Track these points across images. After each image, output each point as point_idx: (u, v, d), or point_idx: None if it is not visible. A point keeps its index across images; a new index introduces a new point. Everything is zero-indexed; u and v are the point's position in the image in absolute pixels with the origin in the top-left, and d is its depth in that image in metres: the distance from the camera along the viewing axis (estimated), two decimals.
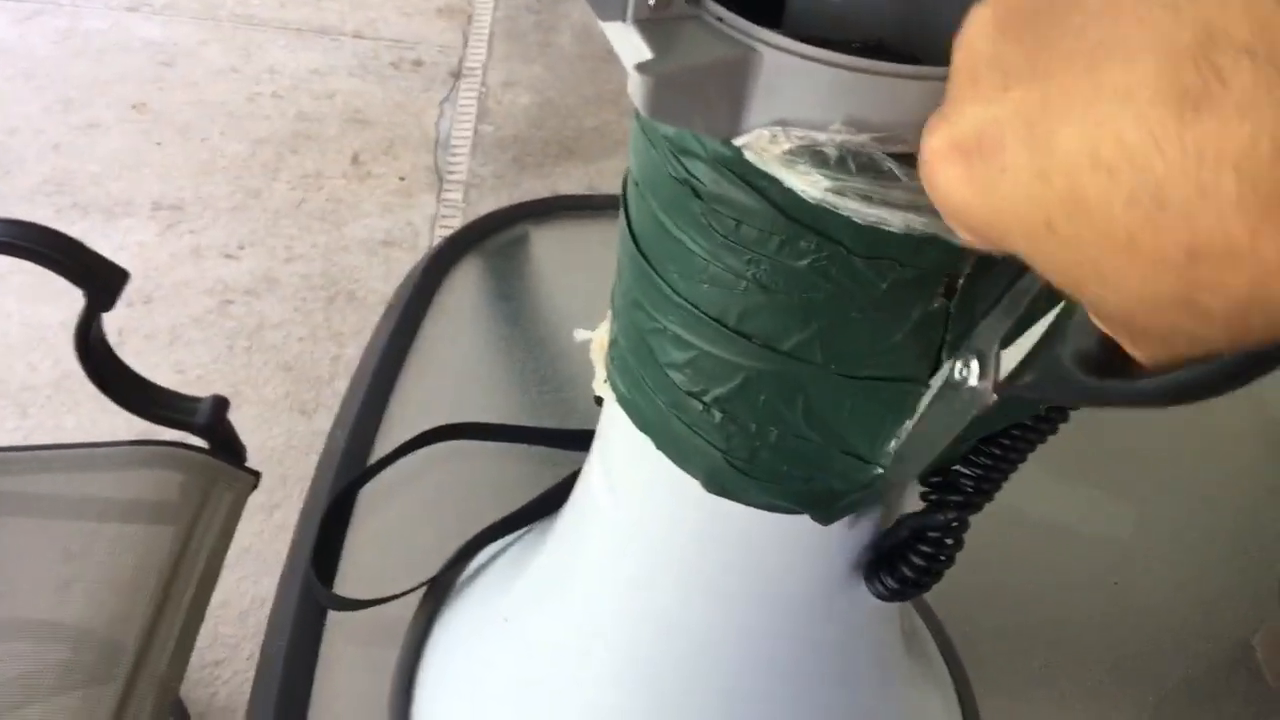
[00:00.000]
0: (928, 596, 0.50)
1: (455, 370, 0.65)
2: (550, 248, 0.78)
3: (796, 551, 0.32)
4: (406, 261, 1.72)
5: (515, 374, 0.64)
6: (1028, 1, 0.17)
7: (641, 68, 0.22)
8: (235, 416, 0.81)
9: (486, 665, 0.42)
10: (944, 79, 0.19)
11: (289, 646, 0.46)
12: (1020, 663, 0.52)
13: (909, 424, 0.28)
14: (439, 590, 0.49)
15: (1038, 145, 0.15)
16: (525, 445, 0.59)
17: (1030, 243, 0.16)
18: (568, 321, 0.70)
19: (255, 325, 1.56)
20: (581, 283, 0.74)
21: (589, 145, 2.07)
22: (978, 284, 0.25)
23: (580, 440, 0.59)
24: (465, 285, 0.72)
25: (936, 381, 0.27)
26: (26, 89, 1.95)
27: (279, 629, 0.47)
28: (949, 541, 0.32)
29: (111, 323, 0.75)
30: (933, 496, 0.32)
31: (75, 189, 1.76)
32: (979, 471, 0.31)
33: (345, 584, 0.51)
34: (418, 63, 2.20)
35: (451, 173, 1.94)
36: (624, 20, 0.23)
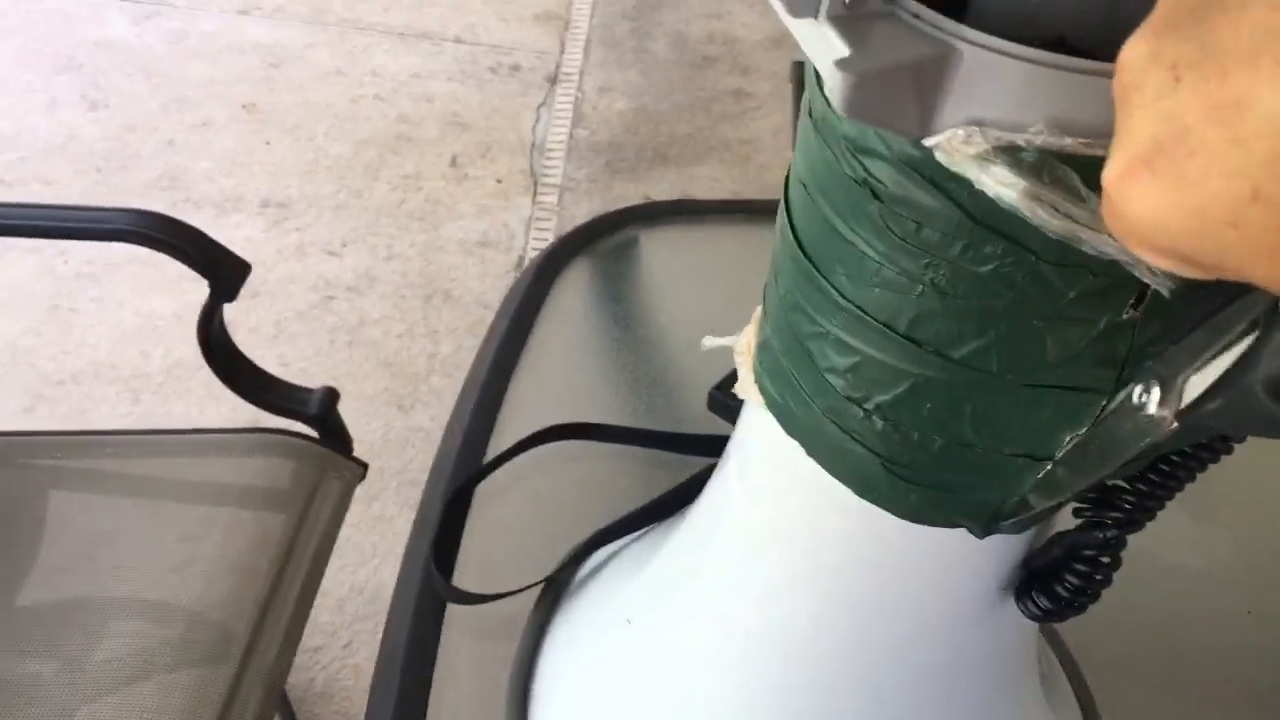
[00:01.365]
0: (1056, 625, 0.48)
1: (568, 371, 0.65)
2: (659, 252, 0.78)
3: (947, 566, 0.32)
4: (501, 263, 1.74)
5: (627, 376, 0.65)
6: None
7: (841, 64, 0.21)
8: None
9: (607, 665, 0.42)
10: None
11: (410, 637, 0.47)
12: (1150, 695, 0.50)
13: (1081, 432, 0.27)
14: (556, 588, 0.49)
15: (1225, 115, 0.15)
16: (638, 448, 0.59)
17: (1237, 231, 0.16)
18: (678, 325, 0.70)
19: (356, 321, 1.59)
20: (691, 287, 0.73)
21: (682, 151, 2.07)
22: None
23: (695, 445, 0.59)
24: (576, 287, 0.72)
25: (1119, 396, 0.26)
26: (144, 87, 2.03)
27: (400, 620, 0.48)
28: (1105, 560, 0.31)
29: None
30: (1089, 514, 0.31)
31: (188, 185, 1.82)
32: (1143, 488, 0.29)
33: (462, 579, 0.51)
34: (515, 68, 2.23)
35: (546, 176, 1.96)
36: (816, 18, 0.23)
